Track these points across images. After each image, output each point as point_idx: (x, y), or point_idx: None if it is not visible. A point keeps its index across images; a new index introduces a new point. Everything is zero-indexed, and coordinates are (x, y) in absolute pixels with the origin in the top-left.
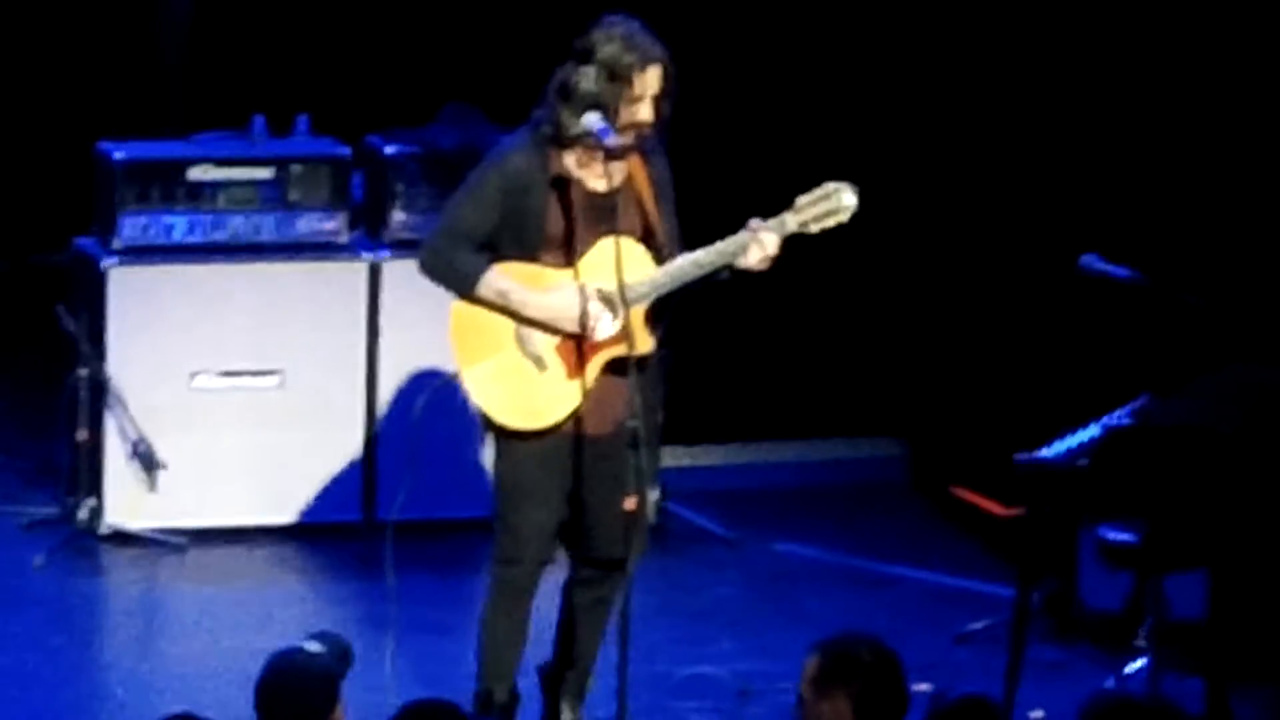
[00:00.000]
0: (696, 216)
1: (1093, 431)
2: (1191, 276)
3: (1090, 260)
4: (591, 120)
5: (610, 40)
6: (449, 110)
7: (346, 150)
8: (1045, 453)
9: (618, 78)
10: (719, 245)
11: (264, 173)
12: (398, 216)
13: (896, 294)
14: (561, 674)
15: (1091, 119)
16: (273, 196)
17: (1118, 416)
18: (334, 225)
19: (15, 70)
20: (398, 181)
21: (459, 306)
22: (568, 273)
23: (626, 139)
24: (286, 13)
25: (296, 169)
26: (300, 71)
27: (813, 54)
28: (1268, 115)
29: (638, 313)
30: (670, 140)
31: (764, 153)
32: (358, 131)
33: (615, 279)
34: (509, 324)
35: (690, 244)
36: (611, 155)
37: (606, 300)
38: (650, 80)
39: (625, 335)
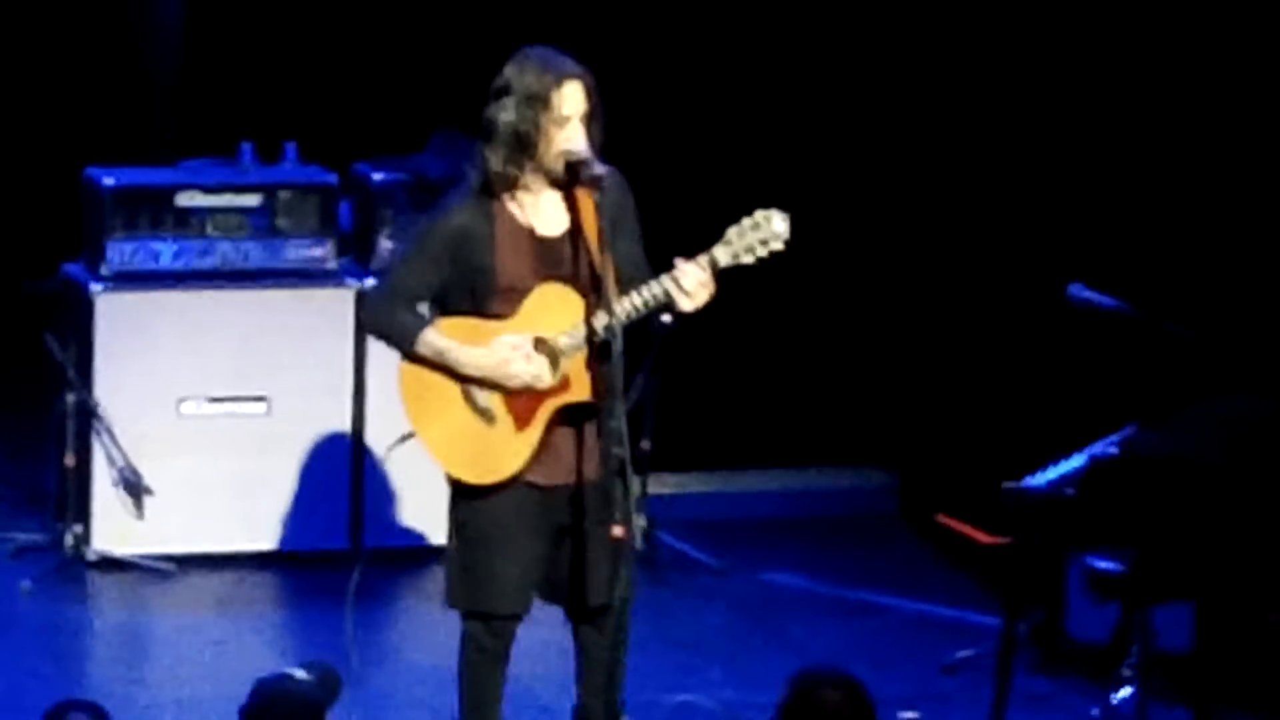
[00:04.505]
0: (673, 243)
1: (1080, 461)
2: (1178, 306)
3: (1077, 289)
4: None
5: (522, 67)
6: (437, 138)
7: (334, 178)
8: (1032, 482)
9: (535, 100)
10: (648, 288)
11: (252, 200)
12: (385, 244)
13: (885, 323)
14: (592, 716)
15: (1079, 148)
16: (261, 224)
17: (1105, 446)
18: (321, 252)
19: (3, 95)
20: (385, 209)
21: (406, 367)
22: (506, 324)
23: (558, 169)
24: (275, 40)
25: (284, 196)
26: (288, 99)
27: (805, 80)
28: (1255, 144)
29: (580, 360)
30: (628, 166)
31: (752, 179)
32: (345, 159)
33: (555, 328)
34: (455, 381)
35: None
36: (566, 185)
37: (546, 350)
38: (570, 97)
39: (569, 384)
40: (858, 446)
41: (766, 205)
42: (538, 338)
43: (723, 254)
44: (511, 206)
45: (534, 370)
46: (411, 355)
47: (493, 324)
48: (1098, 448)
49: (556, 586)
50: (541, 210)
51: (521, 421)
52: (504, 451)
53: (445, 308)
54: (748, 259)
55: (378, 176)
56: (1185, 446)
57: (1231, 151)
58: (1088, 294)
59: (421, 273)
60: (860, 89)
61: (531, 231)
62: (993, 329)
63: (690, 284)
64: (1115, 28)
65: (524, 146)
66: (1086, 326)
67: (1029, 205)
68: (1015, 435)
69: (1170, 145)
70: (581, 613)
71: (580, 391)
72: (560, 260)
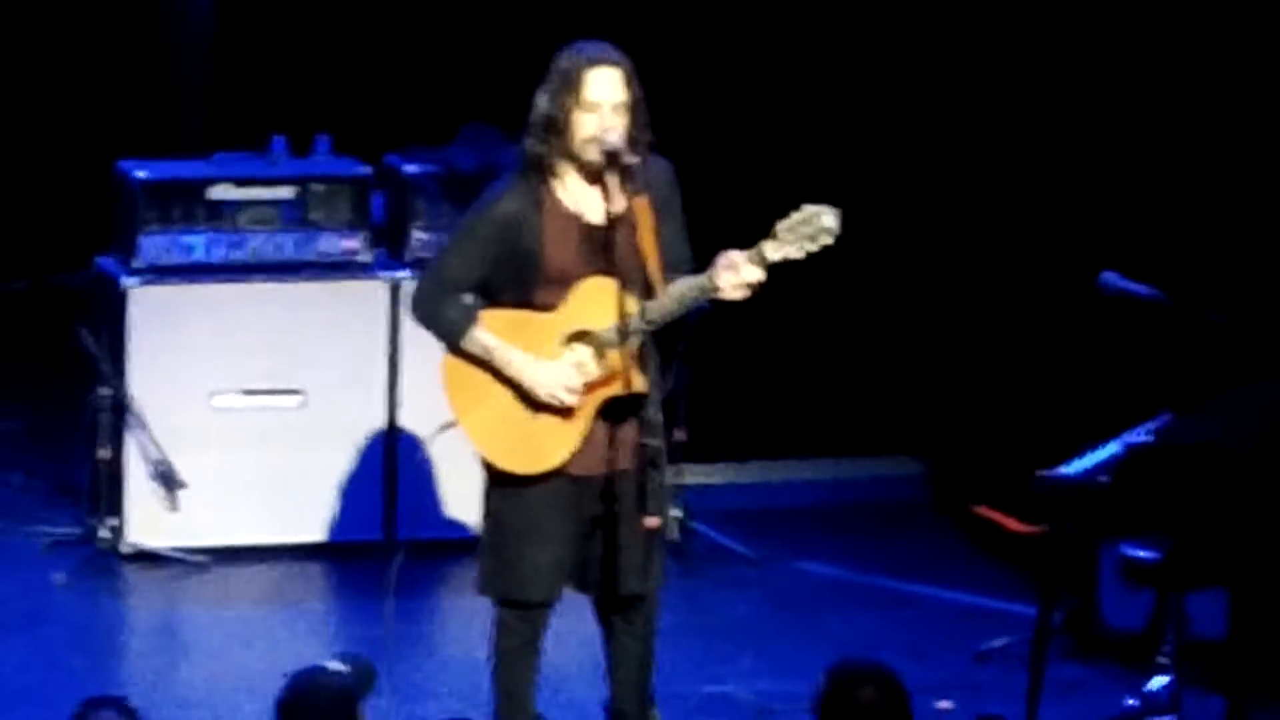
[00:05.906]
0: (706, 235)
1: (1113, 449)
2: (1212, 293)
3: (1110, 278)
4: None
5: (561, 54)
6: (468, 130)
7: (367, 170)
8: (1066, 470)
9: (565, 83)
10: (696, 279)
11: (285, 192)
12: (418, 236)
13: (917, 312)
14: (624, 708)
15: (1112, 135)
16: (293, 216)
17: (1138, 434)
18: (354, 245)
19: (36, 89)
20: (418, 201)
21: (449, 355)
22: (550, 319)
23: (588, 156)
24: (307, 33)
25: (317, 189)
26: (320, 91)
27: (845, 73)
28: None
29: (624, 352)
30: (675, 160)
31: (777, 171)
32: (378, 151)
33: (599, 321)
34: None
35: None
36: (604, 169)
37: (592, 342)
38: (597, 82)
39: (614, 376)
40: (890, 435)
41: (803, 196)
42: (583, 330)
43: (771, 249)
44: (560, 193)
45: (570, 403)
46: (457, 350)
47: (537, 316)
48: (1131, 436)
49: (589, 576)
50: (589, 199)
51: (568, 412)
52: (548, 442)
53: (490, 295)
54: (797, 254)
55: (410, 168)
56: (1219, 434)
57: (1264, 139)
58: (1120, 282)
59: (469, 262)
60: (895, 81)
61: (580, 218)
62: (1025, 317)
63: (737, 280)
64: (1148, 16)
65: (552, 129)
66: (1119, 314)
67: (1061, 194)
68: (1047, 423)
69: (1203, 133)
70: (611, 603)
71: (625, 384)
72: (606, 249)
